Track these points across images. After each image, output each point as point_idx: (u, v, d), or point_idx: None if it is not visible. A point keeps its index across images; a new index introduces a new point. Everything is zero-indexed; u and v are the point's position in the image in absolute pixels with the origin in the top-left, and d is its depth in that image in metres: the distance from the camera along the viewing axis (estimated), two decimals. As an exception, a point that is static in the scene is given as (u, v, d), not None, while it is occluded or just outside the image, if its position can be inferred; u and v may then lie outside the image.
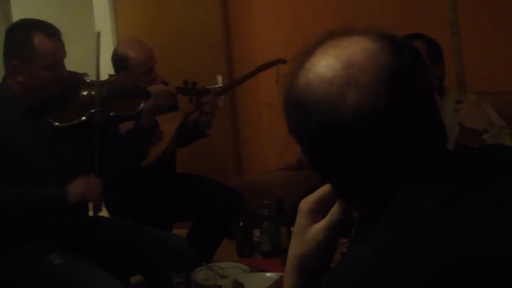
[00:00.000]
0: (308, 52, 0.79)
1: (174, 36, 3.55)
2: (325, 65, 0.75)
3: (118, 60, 2.69)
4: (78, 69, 2.28)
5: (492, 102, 2.34)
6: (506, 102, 2.47)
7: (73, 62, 2.23)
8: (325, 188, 0.86)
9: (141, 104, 2.26)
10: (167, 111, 2.46)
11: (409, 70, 0.75)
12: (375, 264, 0.66)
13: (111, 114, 2.23)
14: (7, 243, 2.00)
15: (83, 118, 2.16)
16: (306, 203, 0.88)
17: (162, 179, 2.81)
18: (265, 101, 3.53)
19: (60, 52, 2.05)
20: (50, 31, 2.02)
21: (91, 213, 2.17)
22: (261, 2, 3.50)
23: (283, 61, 2.93)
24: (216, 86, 2.68)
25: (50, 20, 2.09)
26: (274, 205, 2.25)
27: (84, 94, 2.22)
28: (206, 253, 2.61)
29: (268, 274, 1.92)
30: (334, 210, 0.83)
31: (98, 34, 2.22)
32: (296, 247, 0.87)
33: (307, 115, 0.75)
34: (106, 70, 2.56)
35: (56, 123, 2.11)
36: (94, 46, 2.17)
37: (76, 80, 2.22)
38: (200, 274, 1.97)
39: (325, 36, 0.80)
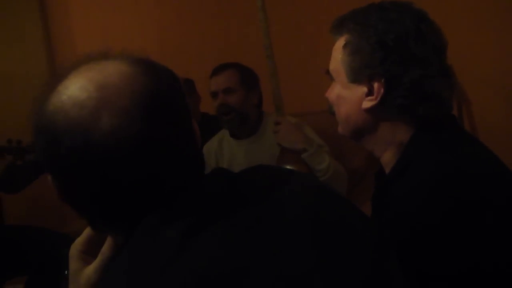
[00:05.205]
0: (61, 75, 0.74)
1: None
2: (78, 87, 0.71)
3: None
4: None
5: (312, 121, 2.44)
6: (323, 121, 2.60)
7: None
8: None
9: None
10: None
11: (166, 96, 0.73)
12: None
13: None
14: None
15: None
16: (74, 247, 0.82)
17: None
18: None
19: None
20: None
21: None
22: (88, 43, 3.43)
23: None
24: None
25: None
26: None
27: None
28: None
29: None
30: (105, 249, 0.78)
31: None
32: None
33: (58, 141, 0.69)
34: None
35: None
36: None
37: None
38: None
39: (81, 59, 0.76)
